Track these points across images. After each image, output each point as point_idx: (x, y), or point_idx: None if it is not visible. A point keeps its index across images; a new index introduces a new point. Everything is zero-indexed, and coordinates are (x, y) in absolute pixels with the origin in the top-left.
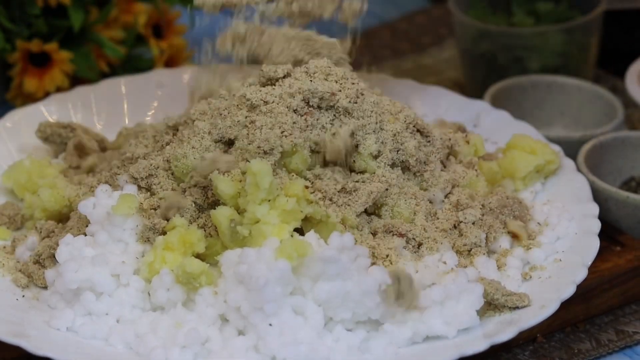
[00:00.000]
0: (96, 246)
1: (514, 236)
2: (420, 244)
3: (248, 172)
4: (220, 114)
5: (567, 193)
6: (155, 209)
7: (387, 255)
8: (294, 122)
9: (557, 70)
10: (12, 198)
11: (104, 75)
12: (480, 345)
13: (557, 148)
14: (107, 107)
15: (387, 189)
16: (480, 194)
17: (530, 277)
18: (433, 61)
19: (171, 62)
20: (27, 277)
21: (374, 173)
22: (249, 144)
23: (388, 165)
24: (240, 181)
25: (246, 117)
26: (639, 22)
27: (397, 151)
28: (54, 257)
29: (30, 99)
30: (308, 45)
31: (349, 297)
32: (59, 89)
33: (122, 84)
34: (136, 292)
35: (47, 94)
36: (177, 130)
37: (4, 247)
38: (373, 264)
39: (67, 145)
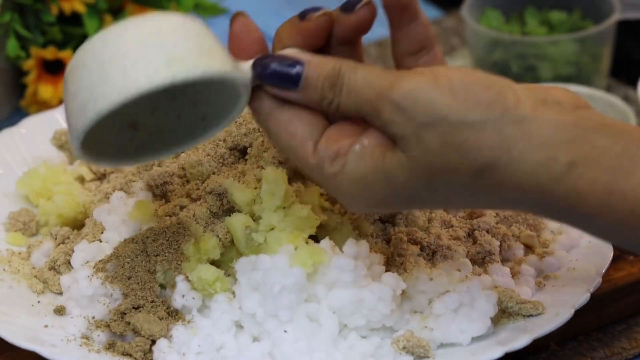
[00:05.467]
0: None
1: (527, 247)
2: (434, 252)
3: (263, 180)
4: (236, 122)
5: None
6: (170, 216)
7: (402, 263)
8: None
9: (570, 79)
10: (27, 205)
11: None
12: (494, 353)
13: None
14: None
15: None
16: None
17: (544, 285)
18: None
19: None
20: (43, 283)
21: None
22: (264, 152)
23: None
24: (255, 188)
25: None
26: None
27: None
28: (69, 263)
29: (45, 106)
30: None
31: (363, 305)
32: None
33: None
34: None
35: (61, 102)
36: None
37: (20, 253)
38: (387, 271)
39: None
